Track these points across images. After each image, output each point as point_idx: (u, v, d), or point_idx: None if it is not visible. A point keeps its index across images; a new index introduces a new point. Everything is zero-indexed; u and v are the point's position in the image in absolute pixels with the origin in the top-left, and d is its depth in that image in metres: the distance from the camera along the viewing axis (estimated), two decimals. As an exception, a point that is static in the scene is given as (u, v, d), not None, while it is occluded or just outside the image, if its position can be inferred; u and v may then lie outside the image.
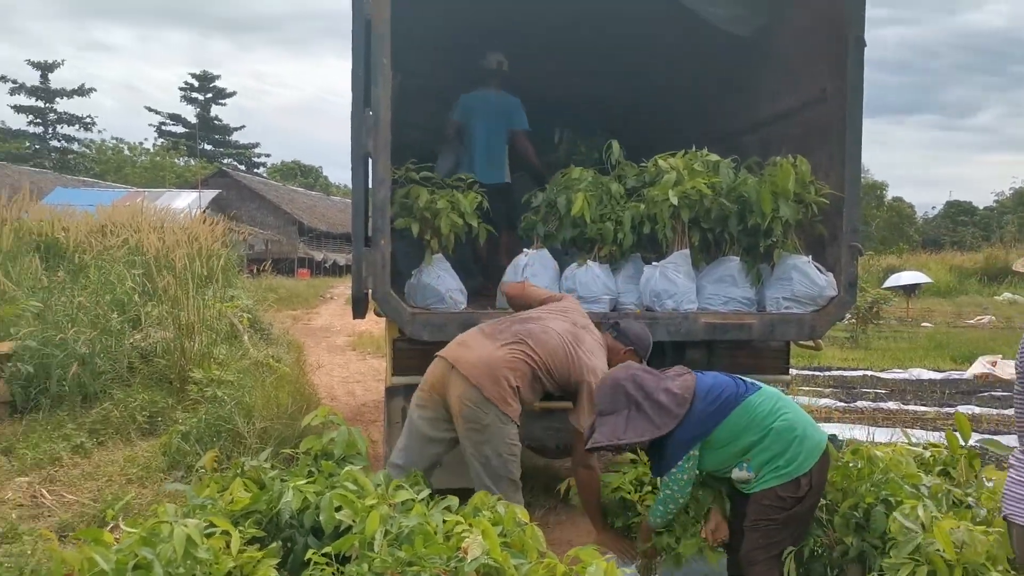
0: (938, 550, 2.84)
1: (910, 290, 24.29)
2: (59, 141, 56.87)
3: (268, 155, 76.96)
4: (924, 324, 20.29)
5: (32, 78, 54.83)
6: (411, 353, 4.51)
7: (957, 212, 61.75)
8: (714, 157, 4.93)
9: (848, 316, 15.43)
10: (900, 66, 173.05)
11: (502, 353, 3.70)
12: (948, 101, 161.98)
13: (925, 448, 3.87)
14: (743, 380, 3.41)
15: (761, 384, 3.42)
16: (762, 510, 3.23)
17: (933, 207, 66.79)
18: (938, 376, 11.62)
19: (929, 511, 3.05)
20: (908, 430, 6.46)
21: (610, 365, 3.86)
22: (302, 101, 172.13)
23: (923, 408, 9.16)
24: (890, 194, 55.34)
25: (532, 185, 5.96)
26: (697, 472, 3.33)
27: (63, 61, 56.55)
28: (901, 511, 3.07)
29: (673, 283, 4.70)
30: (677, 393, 3.27)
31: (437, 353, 3.84)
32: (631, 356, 3.98)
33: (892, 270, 28.17)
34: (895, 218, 52.31)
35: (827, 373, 11.70)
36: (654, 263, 4.81)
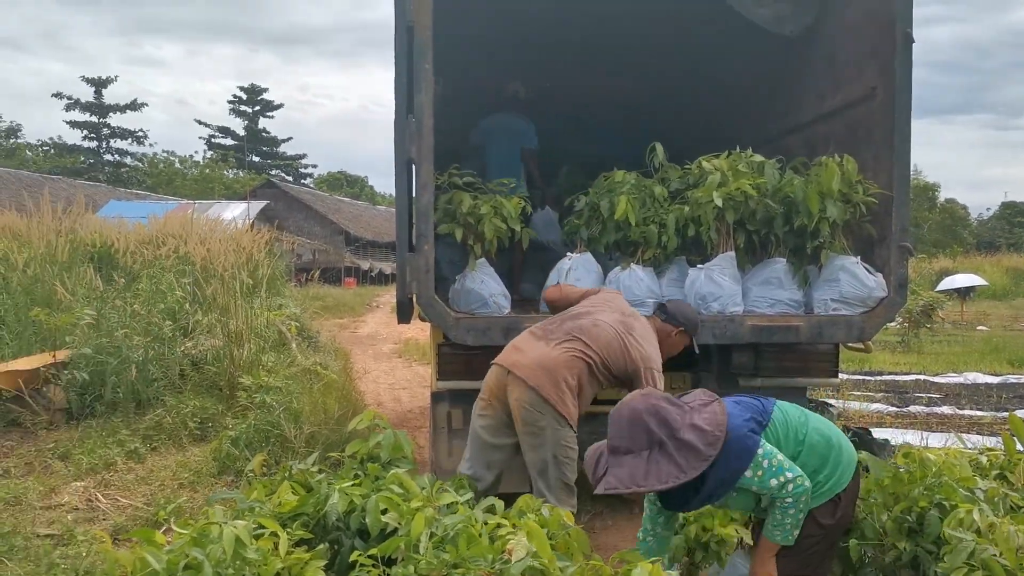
0: (994, 555, 2.76)
1: (964, 293, 23.76)
2: (113, 155, 58.32)
3: (315, 166, 78.16)
4: (979, 327, 19.79)
5: (86, 94, 56.40)
6: (455, 358, 4.54)
7: (1013, 213, 60.25)
8: (759, 158, 4.88)
9: (899, 319, 15.19)
10: (952, 65, 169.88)
11: (557, 353, 3.71)
12: (1001, 100, 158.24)
13: (980, 452, 3.76)
14: (756, 397, 3.14)
15: (773, 398, 3.15)
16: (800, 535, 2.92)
17: (988, 208, 65.33)
18: (994, 380, 11.32)
19: (985, 515, 2.97)
20: (963, 435, 6.31)
21: (662, 348, 3.90)
22: (347, 112, 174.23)
23: (979, 412, 8.92)
24: (943, 196, 54.28)
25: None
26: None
27: (116, 77, 57.86)
28: (956, 516, 2.99)
29: (719, 285, 4.65)
30: (707, 430, 2.81)
31: (493, 361, 3.87)
32: (682, 337, 4.06)
33: (946, 273, 27.58)
34: (948, 220, 51.25)
35: (878, 377, 11.46)
36: (699, 265, 4.78)
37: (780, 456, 2.83)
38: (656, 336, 3.96)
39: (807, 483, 2.81)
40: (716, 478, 2.81)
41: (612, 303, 4.06)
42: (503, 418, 3.76)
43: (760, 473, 2.80)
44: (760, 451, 2.82)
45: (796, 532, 2.89)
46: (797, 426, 2.98)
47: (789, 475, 2.79)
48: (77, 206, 11.05)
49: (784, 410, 3.04)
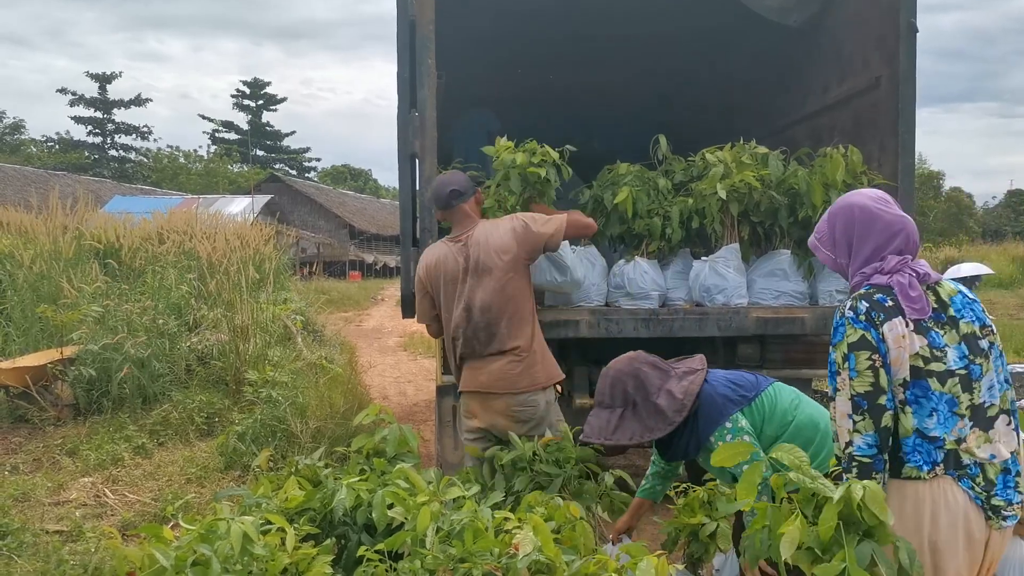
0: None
1: (970, 282, 23.62)
2: (117, 151, 58.43)
3: (318, 159, 78.18)
4: (986, 316, 19.71)
5: (91, 90, 56.52)
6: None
7: (1019, 201, 59.98)
8: (763, 149, 4.86)
9: (906, 309, 15.15)
10: (957, 53, 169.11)
11: (507, 359, 3.77)
12: (1007, 87, 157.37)
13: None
14: (758, 375, 3.23)
15: (774, 379, 3.21)
16: None
17: (993, 197, 65.13)
18: (1001, 369, 11.28)
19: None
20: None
21: (475, 216, 3.93)
22: (351, 105, 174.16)
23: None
24: (948, 184, 54.05)
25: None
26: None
27: (120, 72, 58.12)
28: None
29: (723, 278, 4.65)
30: (678, 398, 3.03)
31: (461, 390, 3.94)
32: (472, 204, 3.96)
33: (951, 262, 27.40)
34: (953, 209, 51.04)
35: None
36: (703, 258, 4.77)
37: (747, 438, 2.93)
38: (481, 222, 3.91)
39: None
40: (688, 437, 3.05)
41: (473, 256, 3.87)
42: (493, 435, 3.85)
43: (724, 444, 2.80)
44: (728, 424, 2.97)
45: None
46: (787, 408, 3.02)
47: None
48: (82, 202, 11.07)
49: (778, 391, 3.10)
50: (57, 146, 56.88)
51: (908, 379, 2.34)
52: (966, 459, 2.33)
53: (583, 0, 6.01)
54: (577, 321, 4.56)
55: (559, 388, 3.98)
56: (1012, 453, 2.39)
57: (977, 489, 2.32)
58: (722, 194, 4.55)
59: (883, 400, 2.30)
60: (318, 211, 47.17)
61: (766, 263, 4.84)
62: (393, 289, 26.79)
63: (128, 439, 6.02)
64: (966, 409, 2.35)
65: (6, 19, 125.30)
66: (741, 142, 4.94)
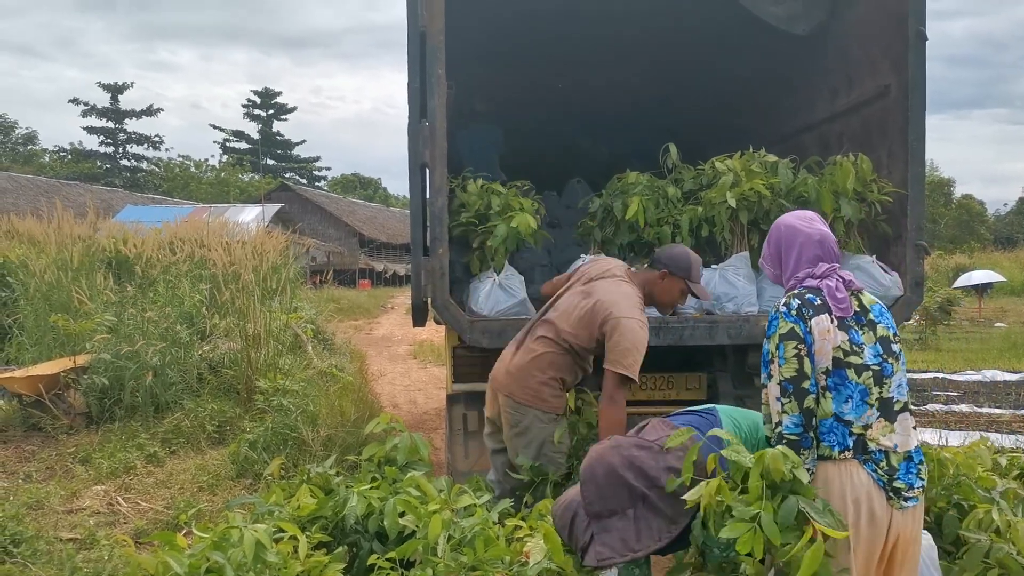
0: (1011, 554, 2.76)
1: (982, 289, 23.60)
2: (129, 160, 58.90)
3: (328, 168, 78.19)
4: (997, 324, 19.64)
5: (103, 100, 57.02)
6: (470, 360, 4.56)
7: (1031, 208, 59.70)
8: (772, 157, 4.87)
9: (916, 317, 15.10)
10: (967, 60, 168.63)
11: (522, 355, 3.82)
12: (1017, 94, 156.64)
13: (999, 453, 3.74)
14: (700, 412, 3.08)
15: (719, 411, 3.07)
16: None
17: (1005, 204, 64.80)
18: (1013, 377, 11.24)
19: (1004, 515, 2.97)
20: (983, 433, 6.28)
21: (655, 296, 3.91)
22: (360, 114, 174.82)
23: (997, 411, 8.87)
24: (959, 191, 53.91)
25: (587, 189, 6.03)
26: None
27: (132, 83, 58.67)
28: (974, 516, 2.98)
29: (733, 286, 4.65)
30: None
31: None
32: (672, 280, 3.92)
33: (962, 269, 27.39)
34: (964, 216, 50.87)
35: (896, 376, 11.39)
36: (713, 266, 4.77)
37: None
38: (634, 286, 3.88)
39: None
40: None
41: (581, 275, 4.03)
42: (500, 425, 3.91)
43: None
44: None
45: None
46: (745, 437, 2.91)
47: None
48: (94, 212, 11.16)
49: (735, 422, 2.99)
50: (69, 156, 57.33)
51: (830, 368, 2.63)
52: (871, 445, 2.61)
53: (591, 8, 6.03)
54: (587, 329, 4.57)
55: (577, 404, 3.99)
56: (916, 445, 2.67)
57: (880, 472, 2.59)
58: (732, 202, 4.56)
59: (806, 384, 2.58)
60: (328, 220, 47.35)
61: (776, 271, 4.84)
62: (403, 297, 26.86)
63: (140, 447, 6.05)
64: (875, 400, 2.64)
65: (17, 29, 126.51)
66: (750, 150, 4.95)
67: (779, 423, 2.58)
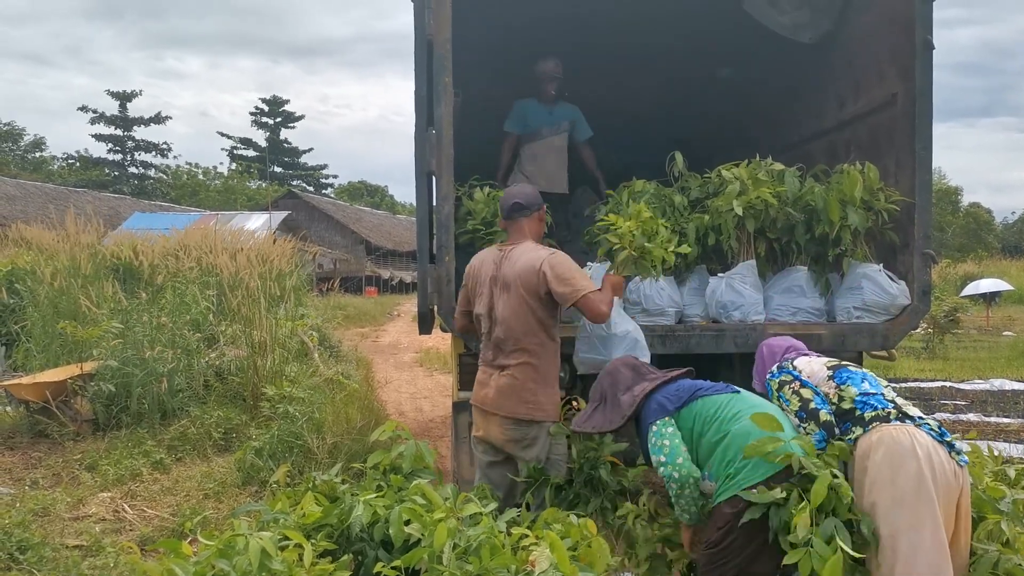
0: (1020, 565, 2.74)
1: (990, 298, 23.46)
2: (137, 168, 58.97)
3: (335, 176, 78.56)
4: (1005, 333, 19.54)
5: (111, 107, 57.25)
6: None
7: (1039, 217, 59.46)
8: (779, 166, 4.87)
9: (924, 325, 15.04)
10: (974, 67, 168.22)
11: (509, 375, 3.77)
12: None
13: (1008, 463, 3.72)
14: (728, 385, 3.32)
15: (746, 392, 3.28)
16: (710, 531, 2.98)
17: (1013, 212, 64.61)
18: (1021, 386, 11.18)
19: (1014, 526, 2.95)
20: (991, 443, 6.24)
21: (534, 238, 3.92)
22: (367, 122, 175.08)
23: (1006, 420, 8.82)
24: (966, 199, 53.77)
25: (593, 197, 5.98)
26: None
27: (140, 91, 58.82)
28: (984, 527, 2.97)
29: (740, 294, 4.64)
30: (636, 396, 3.33)
31: (471, 401, 3.99)
32: (531, 221, 3.92)
33: (970, 278, 27.26)
34: (972, 224, 50.73)
35: (902, 384, 11.35)
36: (720, 274, 4.77)
37: (667, 441, 3.11)
38: (522, 243, 3.87)
39: (675, 473, 3.03)
40: (642, 437, 3.30)
41: (490, 277, 3.88)
42: (493, 444, 3.89)
43: (650, 445, 3.17)
44: (654, 427, 3.18)
45: (687, 514, 3.10)
46: (726, 418, 3.08)
47: (662, 458, 3.09)
48: (95, 218, 11.21)
49: (720, 403, 3.16)
50: (78, 163, 57.58)
51: (831, 375, 3.08)
52: (909, 411, 2.91)
53: (597, 17, 6.05)
54: (593, 338, 4.56)
55: (577, 404, 3.97)
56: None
57: (934, 432, 2.85)
58: (738, 211, 4.56)
59: (813, 404, 3.01)
60: (335, 227, 47.44)
61: (783, 280, 4.83)
62: (409, 305, 26.87)
63: (147, 454, 6.07)
64: (886, 385, 3.06)
65: (26, 37, 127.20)
66: (757, 159, 4.95)
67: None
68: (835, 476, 2.77)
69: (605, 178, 6.27)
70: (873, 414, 2.89)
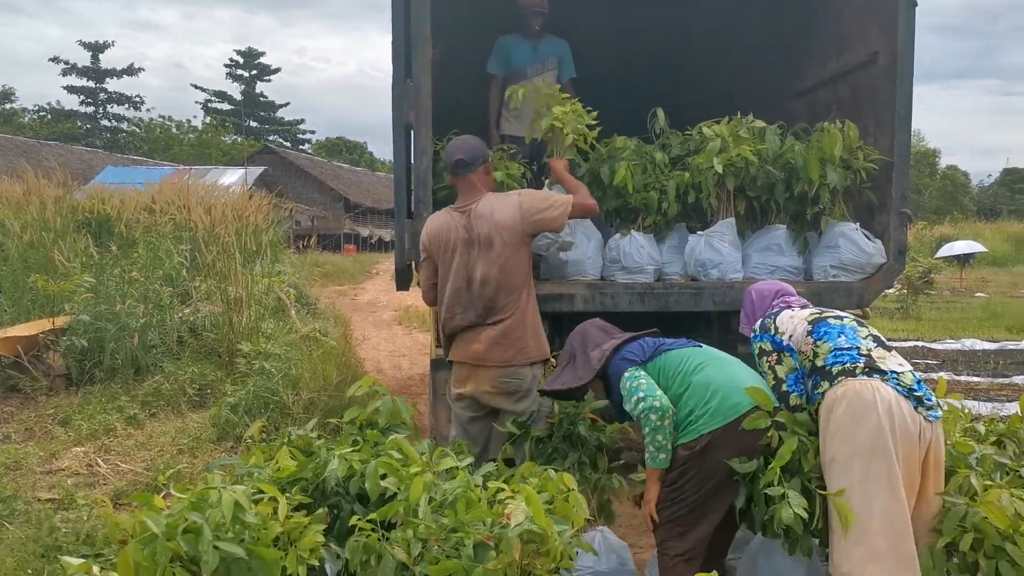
0: (986, 519, 2.79)
1: (964, 260, 23.75)
2: (110, 120, 57.99)
3: (313, 131, 77.17)
4: (978, 294, 19.80)
5: (83, 59, 55.97)
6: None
7: (1015, 180, 60.03)
8: (760, 123, 4.84)
9: (898, 286, 15.19)
10: (959, 30, 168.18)
11: (501, 328, 3.79)
12: (1008, 65, 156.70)
13: (977, 419, 3.76)
14: (690, 340, 3.44)
15: (708, 347, 3.39)
16: (669, 472, 3.13)
17: (989, 175, 65.20)
18: (992, 346, 11.36)
19: (982, 481, 2.99)
20: (963, 402, 6.30)
21: (484, 187, 3.91)
22: (345, 76, 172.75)
23: (976, 379, 8.97)
24: (944, 162, 54.18)
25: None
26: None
27: (113, 42, 57.66)
28: (955, 481, 3.01)
29: (718, 252, 4.64)
30: (605, 351, 3.39)
31: (452, 359, 3.96)
32: (480, 174, 3.89)
33: (945, 240, 27.54)
34: (949, 187, 51.13)
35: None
36: (699, 232, 4.75)
37: (643, 380, 3.18)
38: (485, 196, 3.86)
39: (656, 403, 3.08)
40: (611, 393, 3.39)
41: (462, 238, 3.83)
42: (479, 401, 3.90)
43: (624, 394, 3.21)
44: (627, 374, 3.24)
45: (661, 456, 3.11)
46: (688, 371, 3.19)
47: (640, 395, 3.12)
48: (75, 173, 11.01)
49: (683, 356, 3.28)
50: (49, 116, 56.42)
51: (809, 327, 3.10)
52: (881, 365, 2.94)
53: None
54: (572, 295, 4.56)
55: (554, 361, 3.97)
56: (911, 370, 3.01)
57: (901, 386, 2.89)
58: (719, 168, 4.53)
59: (784, 388, 3.12)
60: (313, 184, 46.91)
61: (761, 238, 4.83)
62: (388, 263, 26.72)
63: (120, 409, 6.02)
64: (866, 335, 3.08)
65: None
66: (739, 116, 4.91)
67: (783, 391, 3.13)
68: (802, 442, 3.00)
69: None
70: (840, 368, 2.94)
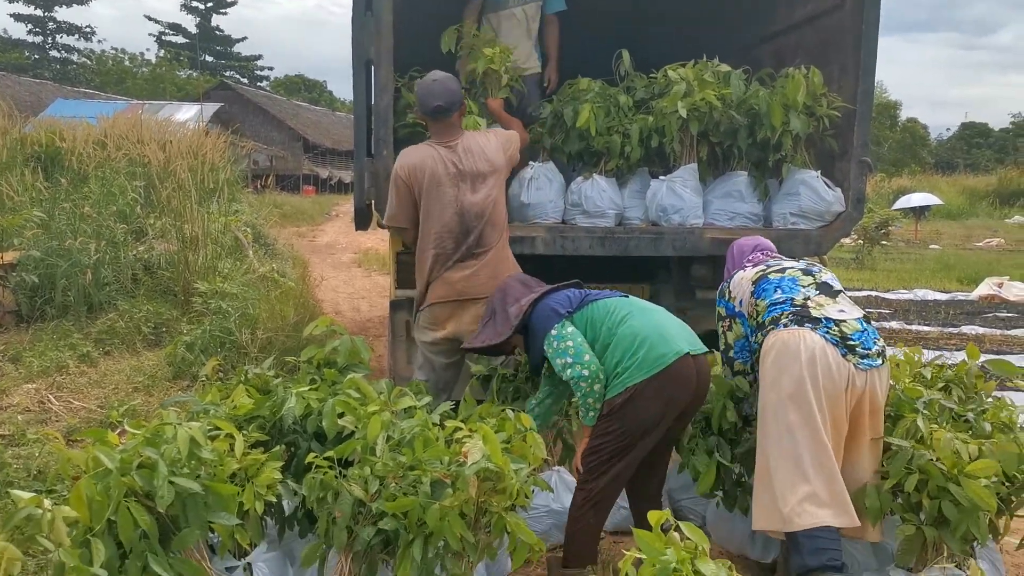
0: (932, 460, 2.87)
1: (920, 212, 24.14)
2: (59, 52, 55.93)
3: (271, 68, 75.58)
4: (932, 246, 20.20)
5: (31, -15, 53.65)
6: (414, 267, 4.49)
7: (972, 134, 60.89)
8: (725, 68, 4.80)
9: (855, 236, 15.40)
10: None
11: (491, 260, 3.87)
12: (970, 17, 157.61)
13: (926, 366, 3.85)
14: (615, 291, 3.43)
15: (634, 297, 3.38)
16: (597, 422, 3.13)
17: (948, 128, 65.93)
18: (943, 297, 11.62)
19: (929, 424, 3.07)
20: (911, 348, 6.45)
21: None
22: (304, 12, 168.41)
23: (926, 328, 9.18)
24: (904, 114, 54.57)
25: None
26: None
27: (61, -33, 55.07)
28: (903, 425, 3.08)
29: (680, 198, 4.63)
30: (523, 305, 3.36)
31: (438, 300, 3.87)
32: (433, 121, 3.85)
33: (903, 192, 27.95)
34: (908, 139, 51.66)
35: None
36: (661, 177, 4.74)
37: (569, 342, 3.12)
38: (466, 133, 3.93)
39: (584, 371, 3.05)
40: (536, 349, 3.26)
41: (447, 174, 3.82)
42: (455, 344, 3.87)
43: (551, 351, 3.16)
44: (552, 331, 3.18)
45: (590, 414, 3.11)
46: (615, 322, 3.16)
47: (568, 359, 3.09)
48: (23, 105, 10.64)
49: (609, 307, 3.24)
50: (-6, 45, 54.35)
51: (752, 288, 3.20)
52: (816, 313, 3.01)
53: None
54: (533, 238, 4.53)
55: None
56: (862, 316, 3.07)
57: (832, 334, 2.95)
58: (683, 112, 4.50)
59: (731, 354, 3.37)
60: (271, 122, 45.95)
61: (723, 184, 4.84)
62: (348, 205, 26.41)
63: (73, 347, 5.92)
64: (810, 283, 3.14)
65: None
66: (704, 59, 4.87)
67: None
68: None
69: (559, 66, 5.61)
70: (770, 319, 3.07)
